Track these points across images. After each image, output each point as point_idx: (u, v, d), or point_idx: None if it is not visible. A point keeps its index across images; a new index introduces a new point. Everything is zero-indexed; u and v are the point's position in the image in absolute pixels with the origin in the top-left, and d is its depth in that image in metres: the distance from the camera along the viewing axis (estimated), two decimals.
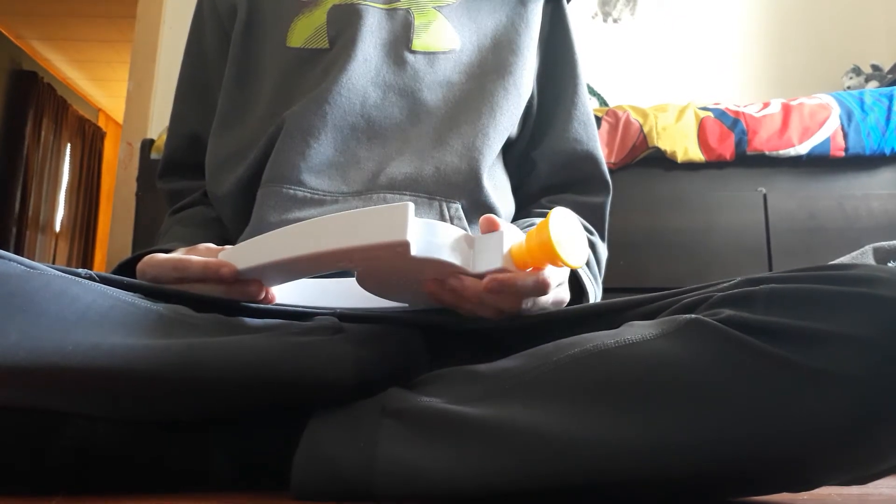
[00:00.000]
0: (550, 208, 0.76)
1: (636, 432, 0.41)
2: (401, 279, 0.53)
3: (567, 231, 0.49)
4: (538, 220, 0.72)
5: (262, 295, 0.57)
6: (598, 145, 0.81)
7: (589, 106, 0.82)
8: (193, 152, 0.81)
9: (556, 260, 0.49)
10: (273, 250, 0.52)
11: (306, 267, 0.54)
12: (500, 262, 0.50)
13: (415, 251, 0.47)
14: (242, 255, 0.55)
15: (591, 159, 0.79)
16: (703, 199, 1.61)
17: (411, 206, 0.47)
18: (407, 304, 0.59)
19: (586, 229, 0.76)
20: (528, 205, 0.79)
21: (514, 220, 0.77)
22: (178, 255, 0.58)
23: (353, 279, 0.55)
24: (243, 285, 0.56)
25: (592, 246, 0.75)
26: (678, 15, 2.41)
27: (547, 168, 0.79)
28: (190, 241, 0.66)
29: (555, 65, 0.82)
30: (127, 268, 0.63)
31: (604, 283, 0.74)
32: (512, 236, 0.51)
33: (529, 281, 0.50)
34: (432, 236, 0.48)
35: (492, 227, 0.52)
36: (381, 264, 0.51)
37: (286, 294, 0.60)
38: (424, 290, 0.52)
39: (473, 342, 0.56)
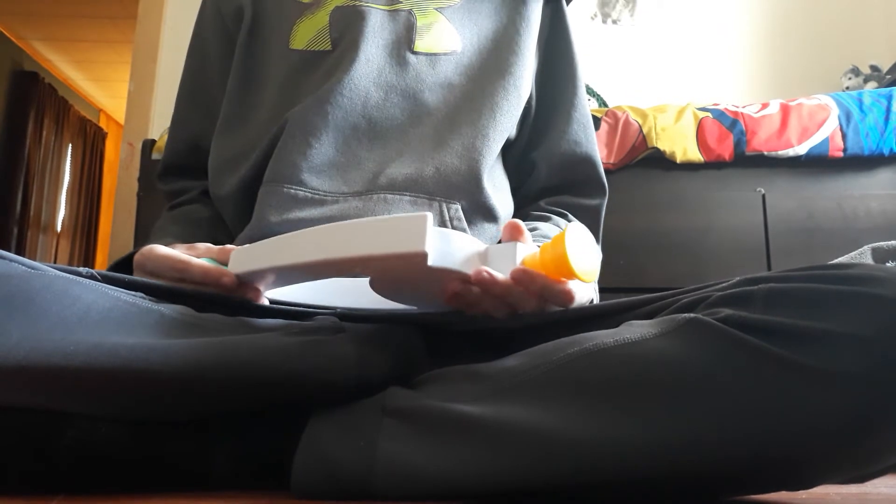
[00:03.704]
0: (549, 211, 0.77)
1: (635, 431, 0.41)
2: (412, 285, 0.54)
3: (581, 246, 0.50)
4: (538, 224, 0.73)
5: (260, 300, 0.57)
6: (596, 148, 0.81)
7: (588, 108, 0.83)
8: (194, 155, 0.81)
9: (569, 274, 0.50)
10: (288, 254, 0.52)
11: (321, 272, 0.54)
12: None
13: (432, 262, 0.47)
14: (254, 256, 0.55)
15: (589, 162, 0.80)
16: (701, 199, 1.61)
17: (430, 216, 0.47)
18: (416, 308, 0.59)
19: None
20: (526, 206, 0.80)
21: None
22: (179, 253, 0.59)
23: (356, 280, 0.55)
24: (242, 291, 0.56)
25: None
26: (677, 16, 2.41)
27: (546, 169, 0.79)
28: (183, 239, 0.67)
29: (554, 66, 0.82)
30: (124, 265, 0.63)
31: (603, 283, 0.74)
32: (525, 248, 0.52)
33: (556, 288, 0.51)
34: (448, 246, 0.49)
35: (514, 234, 0.53)
36: (395, 272, 0.51)
37: (295, 290, 0.60)
38: (449, 289, 0.52)
39: (473, 342, 0.57)
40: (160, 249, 0.59)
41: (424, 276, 0.50)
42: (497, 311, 0.54)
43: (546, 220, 0.76)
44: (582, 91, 0.82)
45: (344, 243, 0.49)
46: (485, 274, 0.50)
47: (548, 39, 0.82)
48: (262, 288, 0.58)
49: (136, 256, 0.60)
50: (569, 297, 0.52)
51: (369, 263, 0.50)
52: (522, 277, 0.51)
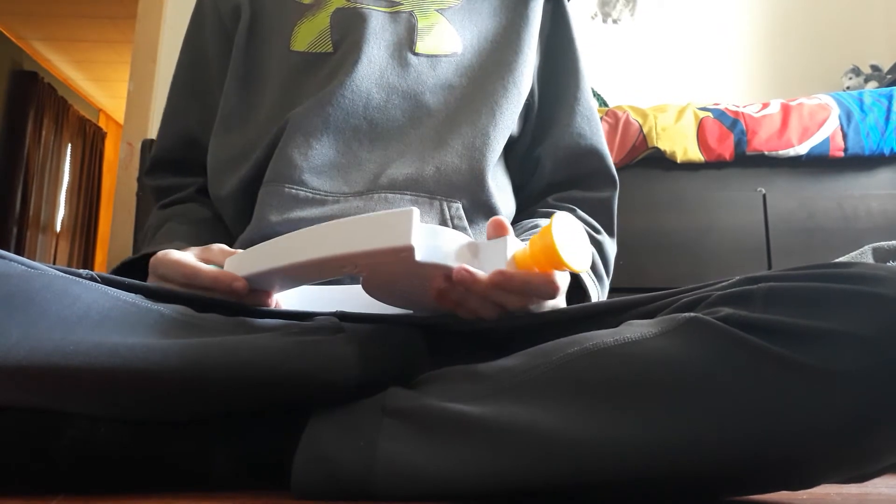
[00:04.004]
0: (556, 207, 0.77)
1: (635, 431, 0.41)
2: (405, 285, 0.53)
3: (570, 235, 0.50)
4: (542, 221, 0.73)
5: (273, 305, 0.57)
6: (603, 140, 0.80)
7: (592, 101, 0.82)
8: (187, 150, 0.81)
9: (559, 264, 0.49)
10: (279, 256, 0.52)
11: (312, 272, 0.54)
12: (503, 268, 0.50)
13: (419, 256, 0.47)
14: (248, 260, 0.55)
15: (595, 154, 0.79)
16: (702, 199, 1.61)
17: (416, 211, 0.47)
18: (411, 312, 0.59)
19: (593, 227, 0.76)
20: (533, 203, 0.79)
21: (517, 219, 0.77)
22: (190, 258, 0.59)
23: (357, 287, 0.55)
24: (254, 297, 0.56)
25: (600, 244, 0.74)
26: (678, 15, 2.41)
27: (551, 164, 0.79)
28: (191, 240, 0.67)
29: (556, 61, 0.82)
30: (130, 267, 0.63)
31: None
32: (516, 242, 0.52)
33: (538, 280, 0.51)
34: (436, 241, 0.49)
35: (499, 231, 0.53)
36: (386, 270, 0.51)
37: (290, 301, 0.60)
38: (434, 287, 0.52)
39: (473, 342, 0.57)
40: (173, 254, 0.59)
41: (415, 273, 0.50)
42: (485, 310, 0.53)
43: (550, 215, 0.75)
44: (585, 85, 0.82)
45: (333, 241, 0.49)
46: (464, 272, 0.50)
47: (549, 36, 0.82)
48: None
49: (151, 260, 0.60)
50: (553, 287, 0.52)
51: (359, 260, 0.50)
52: (499, 279, 0.50)
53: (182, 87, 0.83)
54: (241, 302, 0.56)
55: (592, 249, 0.69)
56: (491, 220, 0.54)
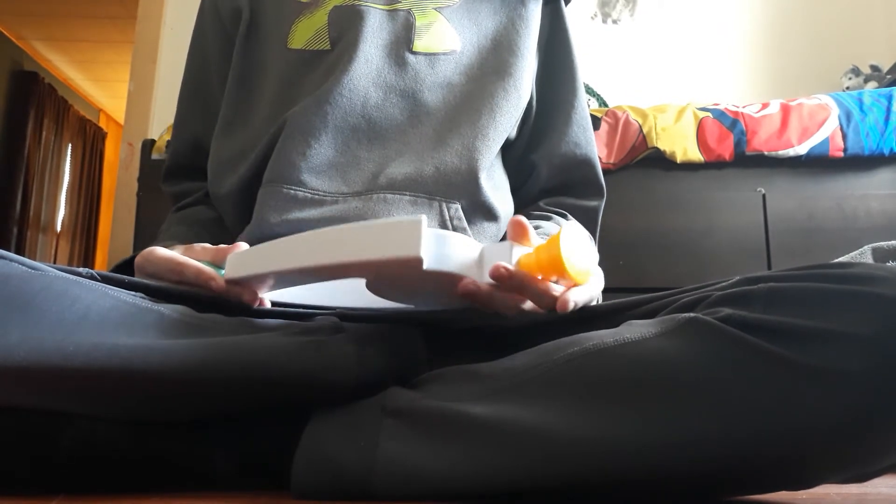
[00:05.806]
0: (548, 210, 0.78)
1: (635, 430, 0.41)
2: (407, 285, 0.54)
3: (577, 247, 0.50)
4: (541, 223, 0.73)
5: (256, 304, 0.57)
6: (595, 149, 0.82)
7: (587, 110, 0.83)
8: (197, 156, 0.81)
9: (564, 274, 0.49)
10: (283, 259, 0.52)
11: (316, 276, 0.54)
12: None
13: (427, 265, 0.47)
14: (252, 259, 0.55)
15: (588, 164, 0.80)
16: (702, 199, 1.61)
17: (424, 219, 0.47)
18: (412, 307, 0.59)
19: None
20: (526, 206, 0.80)
21: None
22: (176, 254, 0.59)
23: (357, 280, 0.55)
24: (236, 294, 0.56)
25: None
26: (677, 16, 2.41)
27: (546, 171, 0.80)
28: (186, 240, 0.67)
29: (554, 67, 0.82)
30: (126, 267, 0.63)
31: (603, 283, 0.74)
32: (521, 248, 0.52)
33: (537, 287, 0.50)
34: (443, 248, 0.49)
35: (518, 230, 0.52)
36: (391, 274, 0.51)
37: (293, 291, 0.60)
38: (459, 294, 0.51)
39: (473, 341, 0.57)
40: (159, 251, 0.59)
41: (419, 277, 0.51)
42: (506, 309, 0.53)
43: (548, 219, 0.76)
44: (581, 92, 0.83)
45: (339, 248, 0.49)
46: (471, 286, 0.50)
47: (547, 40, 0.82)
48: (260, 292, 0.58)
49: (137, 259, 0.60)
50: (548, 296, 0.51)
51: (364, 268, 0.50)
52: (502, 275, 0.49)
53: (189, 93, 0.84)
54: (226, 298, 0.56)
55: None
56: (513, 219, 0.53)
